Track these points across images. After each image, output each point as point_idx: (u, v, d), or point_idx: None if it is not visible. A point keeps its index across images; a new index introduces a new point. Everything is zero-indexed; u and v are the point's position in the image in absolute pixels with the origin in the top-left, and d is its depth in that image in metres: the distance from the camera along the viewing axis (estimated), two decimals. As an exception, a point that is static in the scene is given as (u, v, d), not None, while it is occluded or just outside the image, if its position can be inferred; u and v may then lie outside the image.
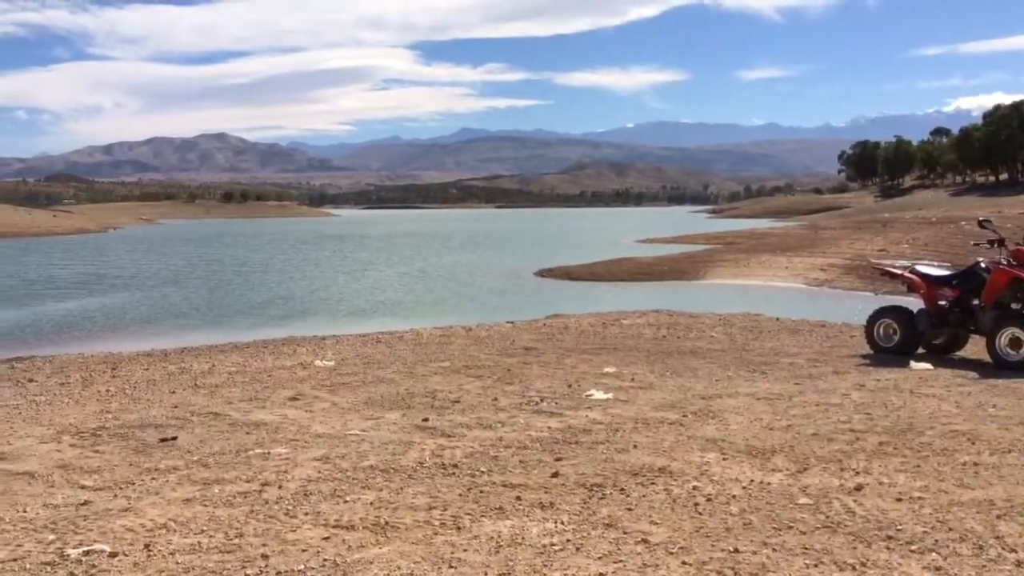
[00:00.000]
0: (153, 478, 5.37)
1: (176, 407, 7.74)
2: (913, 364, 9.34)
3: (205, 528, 4.35)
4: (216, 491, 5.00)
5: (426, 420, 6.84)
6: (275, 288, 30.15)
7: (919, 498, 4.61)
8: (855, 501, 4.57)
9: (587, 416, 6.86)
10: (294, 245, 62.12)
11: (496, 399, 7.70)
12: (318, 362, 10.59)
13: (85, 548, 4.07)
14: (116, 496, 5.00)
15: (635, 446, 5.84)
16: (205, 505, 4.75)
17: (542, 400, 7.59)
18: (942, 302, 10.11)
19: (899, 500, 4.58)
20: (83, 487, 5.25)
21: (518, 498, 4.74)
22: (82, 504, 4.85)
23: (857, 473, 5.10)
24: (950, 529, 4.14)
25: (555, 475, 5.16)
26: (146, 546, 4.09)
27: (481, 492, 4.88)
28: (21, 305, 25.37)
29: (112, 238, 77.08)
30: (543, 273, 33.26)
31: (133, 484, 5.25)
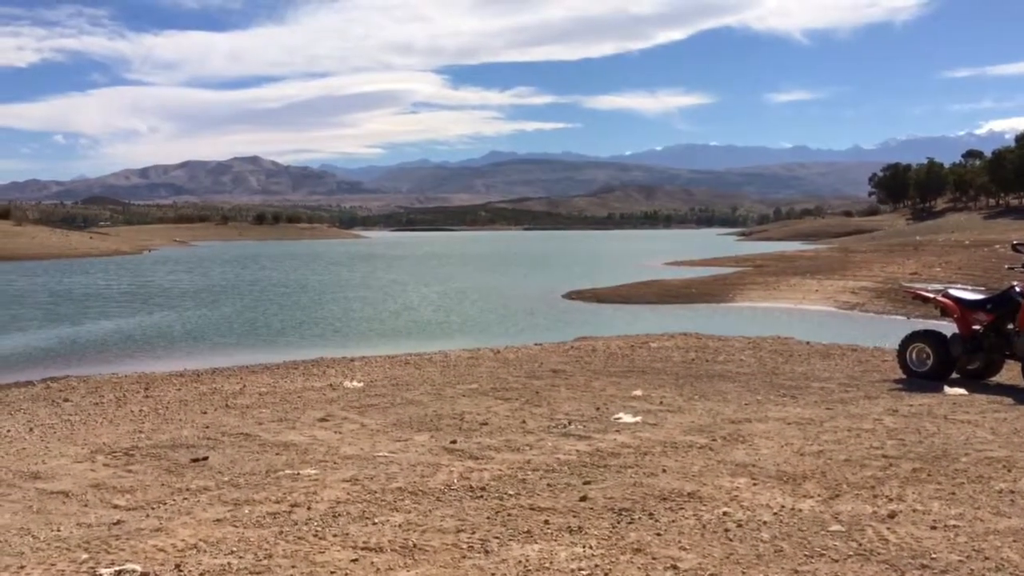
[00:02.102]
0: (185, 498, 5.42)
1: (207, 427, 7.82)
2: (947, 389, 9.20)
3: (235, 549, 4.38)
4: (246, 512, 5.04)
5: (454, 442, 6.85)
6: (306, 309, 30.38)
7: (954, 526, 4.53)
8: (888, 529, 4.50)
9: (615, 439, 6.83)
10: (325, 266, 62.61)
11: (524, 422, 7.70)
12: (347, 383, 10.65)
13: (117, 567, 4.12)
14: (148, 516, 5.06)
15: (664, 470, 5.80)
16: (235, 526, 4.78)
17: (570, 423, 7.57)
18: (976, 327, 9.96)
19: (934, 528, 4.51)
20: (116, 506, 5.31)
21: (546, 522, 4.73)
22: (115, 523, 4.91)
23: (890, 500, 5.03)
24: (986, 558, 4.06)
25: (583, 499, 5.14)
26: (177, 566, 4.13)
27: (509, 515, 4.87)
28: (55, 325, 25.78)
29: (147, 260, 78.16)
30: (571, 295, 33.22)
31: (165, 504, 5.31)
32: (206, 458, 6.52)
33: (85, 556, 4.31)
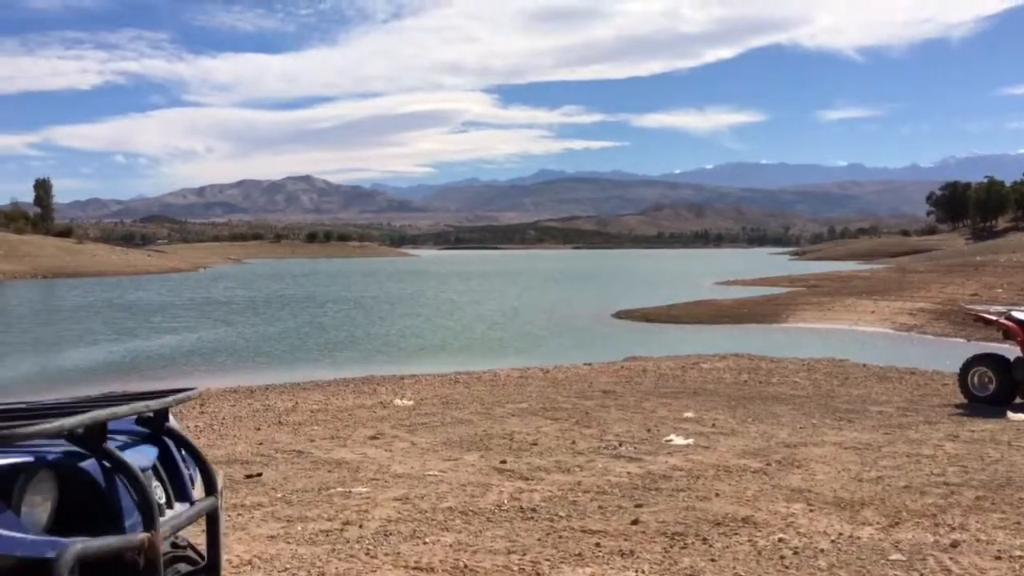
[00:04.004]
0: (239, 514, 5.49)
1: (261, 444, 7.94)
2: (1010, 415, 8.94)
3: (288, 566, 4.42)
4: (299, 529, 5.09)
5: (504, 462, 6.84)
6: (357, 326, 30.69)
7: (1019, 557, 4.39)
8: (951, 559, 4.37)
9: (667, 462, 6.75)
10: (375, 284, 63.26)
11: (574, 442, 7.66)
12: (397, 401, 10.73)
13: (175, 581, 4.18)
14: (203, 531, 5.13)
15: (717, 494, 5.72)
16: (288, 542, 4.83)
17: (621, 444, 7.51)
18: (1041, 350, 9.67)
19: (998, 559, 4.37)
20: (173, 521, 5.40)
21: (597, 545, 4.69)
22: (172, 537, 4.99)
23: (953, 529, 4.89)
24: (1056, 592, 3.92)
25: (635, 522, 5.09)
26: (232, 581, 4.18)
27: (560, 537, 4.84)
28: (114, 340, 26.42)
29: (203, 277, 79.78)
30: (620, 314, 33.02)
31: (220, 519, 5.38)
32: (260, 474, 6.61)
33: (143, 569, 4.39)
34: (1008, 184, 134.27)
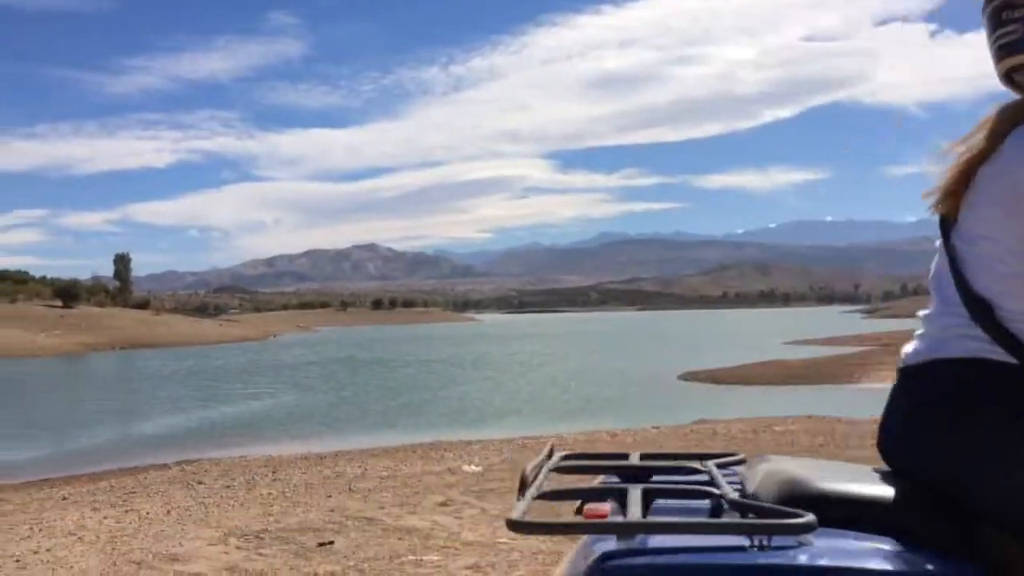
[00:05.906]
0: (313, 582, 5.53)
1: (332, 511, 7.99)
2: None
3: (363, 635, 4.42)
4: (372, 597, 5.09)
5: (575, 530, 6.74)
6: (425, 390, 30.85)
7: None
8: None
9: (743, 529, 6.57)
10: (441, 348, 63.65)
11: (646, 509, 7.52)
12: (465, 467, 10.71)
13: (252, 650, 4.22)
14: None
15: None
16: (362, 611, 4.83)
17: (694, 511, 7.35)
18: None
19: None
20: (248, 589, 5.46)
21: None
22: (248, 606, 5.04)
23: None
24: None
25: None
26: (308, 651, 4.19)
27: (635, 608, 4.73)
28: (187, 408, 27.03)
29: (273, 344, 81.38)
30: (687, 376, 32.52)
31: (294, 588, 5.42)
32: (332, 542, 6.65)
33: (221, 638, 4.44)
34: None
